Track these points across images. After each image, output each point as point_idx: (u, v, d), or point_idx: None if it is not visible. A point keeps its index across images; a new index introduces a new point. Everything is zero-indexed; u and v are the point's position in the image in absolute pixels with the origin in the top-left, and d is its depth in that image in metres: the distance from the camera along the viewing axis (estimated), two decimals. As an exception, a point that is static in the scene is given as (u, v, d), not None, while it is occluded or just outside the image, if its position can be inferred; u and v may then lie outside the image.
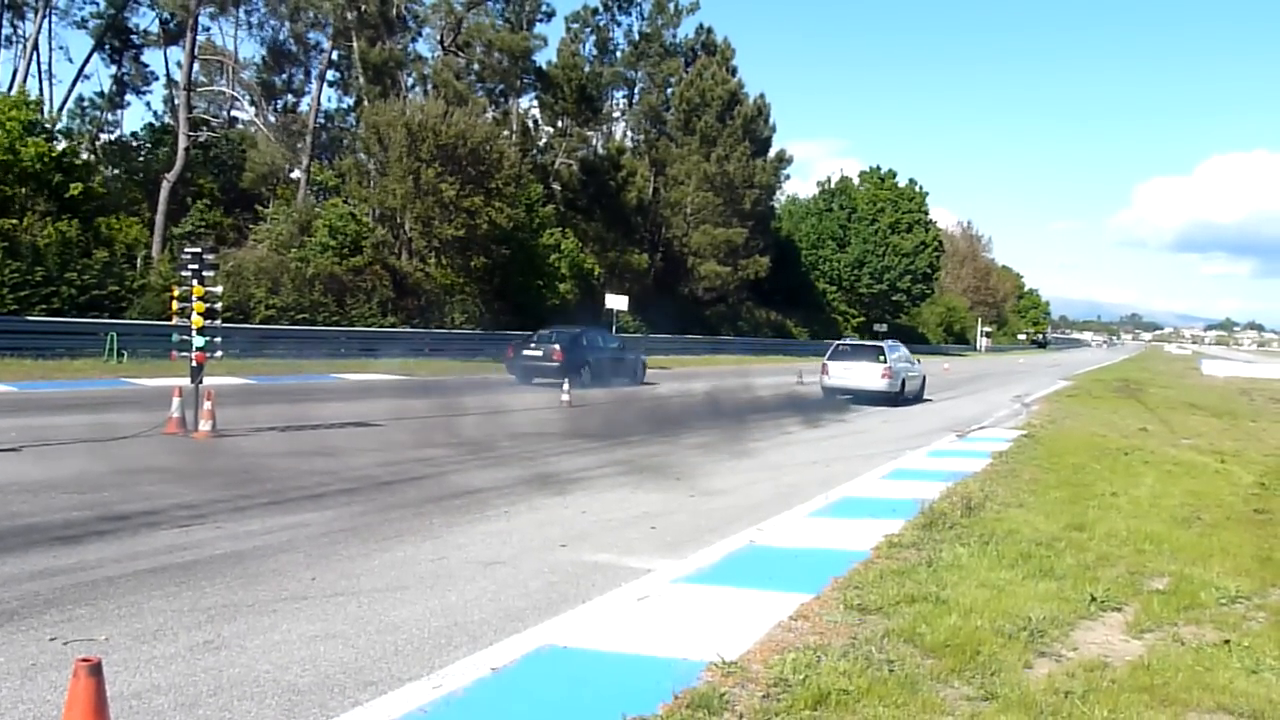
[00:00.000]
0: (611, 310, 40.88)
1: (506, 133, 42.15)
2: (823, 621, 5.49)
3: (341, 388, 21.40)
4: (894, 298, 75.10)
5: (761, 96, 55.14)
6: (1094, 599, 6.08)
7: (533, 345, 24.53)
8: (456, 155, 33.56)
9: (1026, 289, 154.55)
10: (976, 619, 5.50)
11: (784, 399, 24.09)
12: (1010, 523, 8.28)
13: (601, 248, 49.16)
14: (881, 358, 23.15)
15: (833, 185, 76.84)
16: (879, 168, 78.67)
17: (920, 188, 78.16)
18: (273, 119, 44.21)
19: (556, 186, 49.93)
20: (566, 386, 18.75)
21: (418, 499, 8.85)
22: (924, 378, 26.59)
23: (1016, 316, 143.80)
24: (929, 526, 8.03)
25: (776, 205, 69.70)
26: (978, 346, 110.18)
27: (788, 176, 59.93)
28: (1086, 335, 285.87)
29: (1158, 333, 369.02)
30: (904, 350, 25.55)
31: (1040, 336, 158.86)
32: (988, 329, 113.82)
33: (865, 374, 22.84)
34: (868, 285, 73.42)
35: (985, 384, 36.91)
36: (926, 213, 77.87)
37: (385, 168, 34.44)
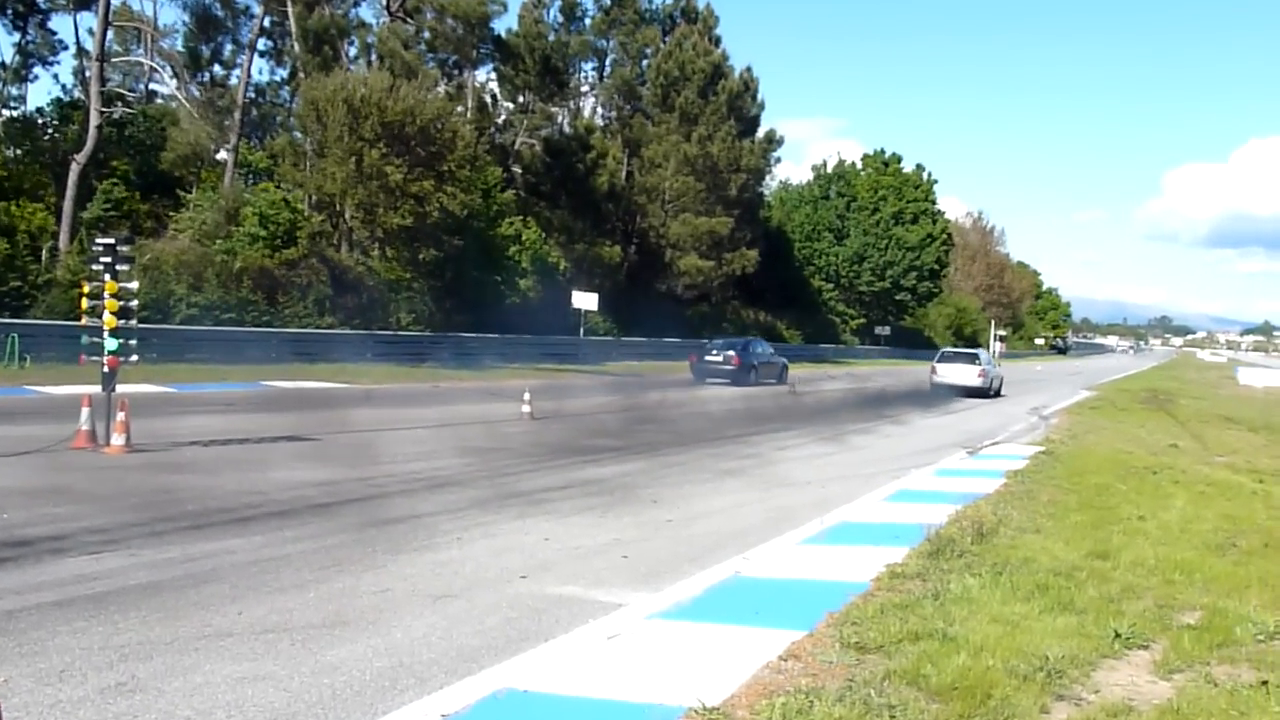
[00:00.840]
0: (579, 310, 40.91)
1: (461, 109, 42.08)
2: (816, 662, 5.50)
3: (273, 397, 21.27)
4: (898, 297, 75.64)
5: (748, 70, 55.46)
6: (1118, 635, 6.12)
7: (713, 352, 34.93)
8: (404, 134, 33.46)
9: (1044, 288, 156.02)
10: (988, 658, 5.53)
11: (773, 411, 24.18)
12: (1026, 550, 8.34)
13: (568, 239, 49.16)
14: (977, 361, 35.12)
15: (830, 170, 77.37)
16: (882, 151, 79.23)
17: (928, 174, 78.81)
18: (197, 93, 43.93)
19: (517, 170, 49.92)
20: (527, 397, 18.78)
21: (358, 523, 8.81)
22: (1003, 378, 37.67)
23: (1034, 319, 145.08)
24: (935, 555, 8.07)
25: (766, 192, 70.03)
26: (991, 352, 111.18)
27: (778, 160, 60.23)
28: (1111, 340, 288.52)
29: (1189, 337, 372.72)
30: (987, 355, 38.75)
31: (1060, 341, 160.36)
32: (1002, 333, 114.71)
33: (965, 374, 33.95)
34: (868, 283, 73.90)
35: (994, 396, 37.18)
36: (934, 202, 78.42)
37: (323, 148, 34.28)
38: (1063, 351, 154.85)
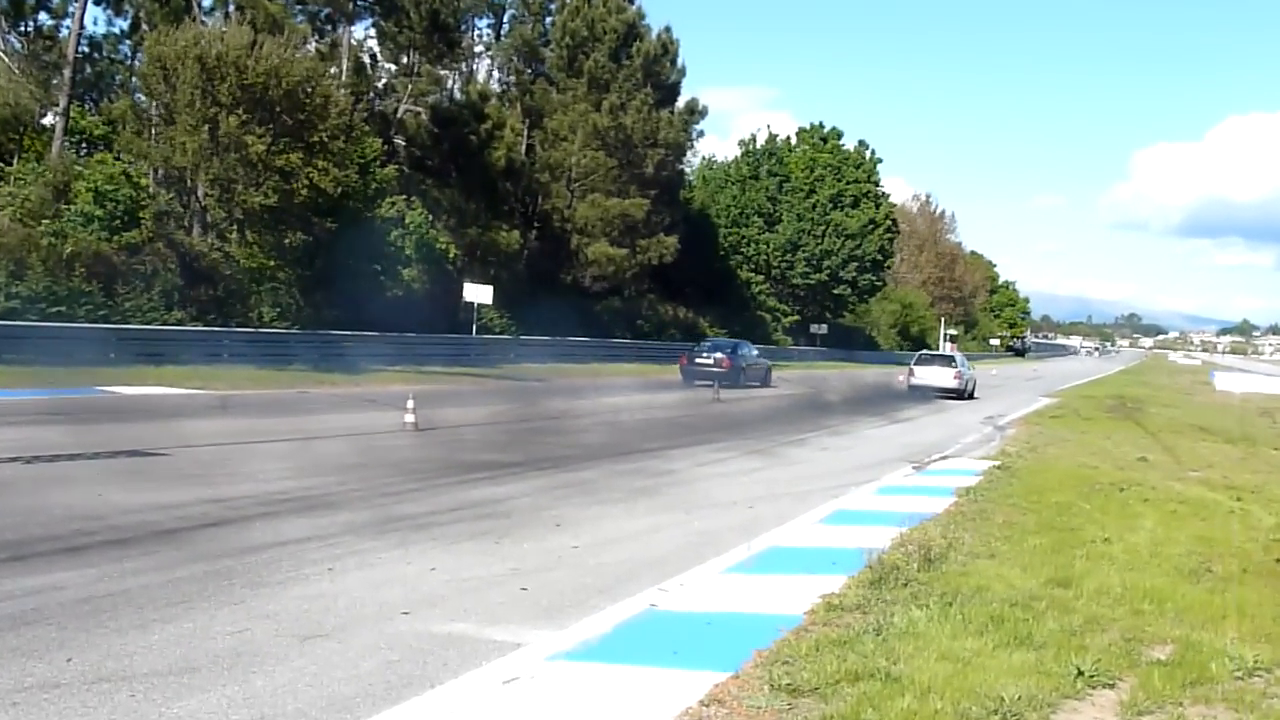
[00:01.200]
0: (471, 304, 40.73)
1: (334, 71, 41.64)
2: (743, 707, 5.53)
3: (111, 405, 20.84)
4: (836, 291, 76.62)
5: (667, 30, 55.84)
6: (1081, 673, 6.24)
7: (704, 355, 39.73)
8: (267, 99, 33.01)
9: (1000, 282, 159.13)
10: (936, 700, 5.61)
11: (696, 421, 24.33)
12: (979, 578, 8.48)
13: (459, 222, 48.89)
14: (953, 364, 41.49)
15: (759, 146, 78.14)
16: (819, 125, 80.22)
17: (871, 152, 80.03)
18: (17, 45, 42.88)
19: (400, 142, 49.47)
20: (411, 405, 18.62)
21: (212, 552, 8.67)
22: (976, 380, 43.71)
23: (988, 316, 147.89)
24: (877, 583, 8.17)
25: (687, 171, 70.50)
26: (946, 354, 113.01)
27: (701, 134, 60.99)
28: (1074, 340, 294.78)
29: (1160, 338, 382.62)
30: (962, 358, 45.28)
31: (1018, 341, 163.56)
32: (953, 332, 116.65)
33: (941, 376, 39.81)
34: (803, 274, 74.75)
35: (950, 401, 37.78)
36: (878, 184, 79.60)
37: (172, 114, 33.65)
38: (1021, 353, 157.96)
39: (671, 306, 62.44)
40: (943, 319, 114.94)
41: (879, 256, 78.01)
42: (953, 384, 39.40)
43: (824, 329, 76.02)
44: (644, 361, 51.38)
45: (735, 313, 69.11)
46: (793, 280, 74.88)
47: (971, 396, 40.59)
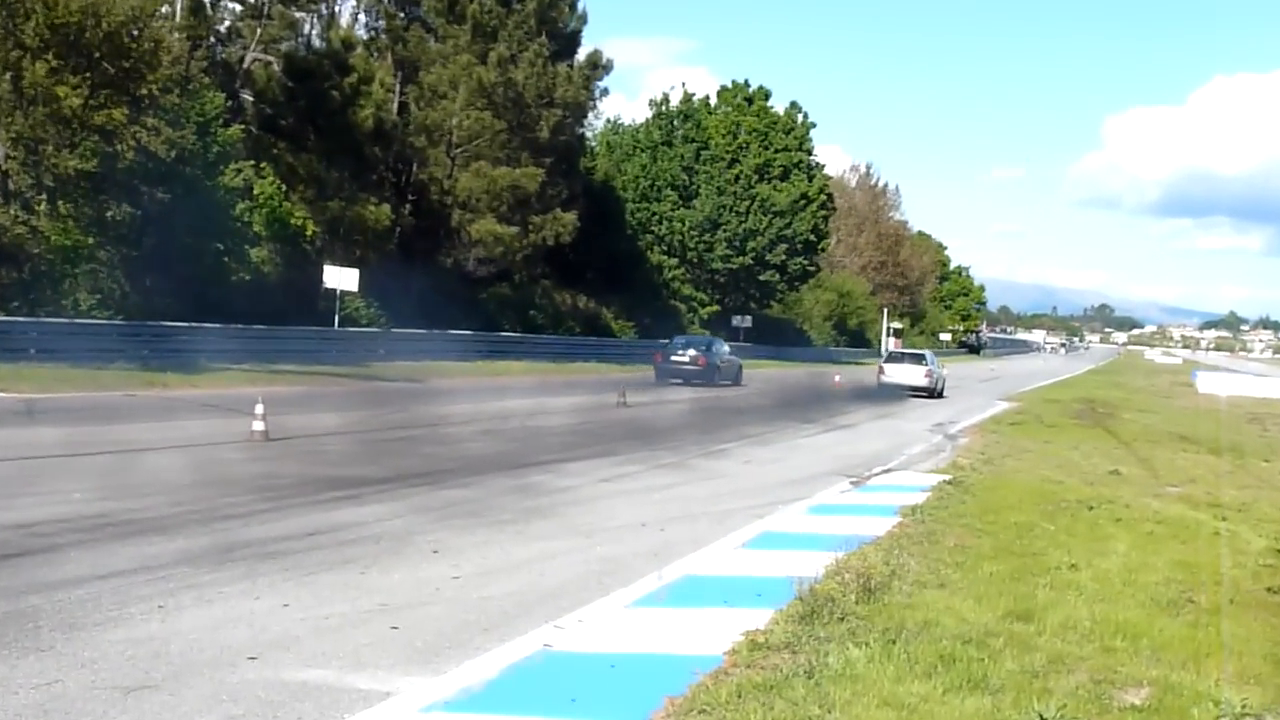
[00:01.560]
0: (333, 291, 40.37)
1: (167, 9, 41.02)
2: (653, 765, 5.54)
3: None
4: (763, 277, 77.11)
5: (567, -31, 55.70)
6: (1044, 720, 6.34)
7: (679, 352, 44.52)
8: (84, 43, 32.48)
9: (952, 267, 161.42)
10: (878, 754, 5.66)
11: (599, 429, 24.38)
12: (926, 611, 8.57)
13: (318, 194, 48.37)
14: (924, 362, 47.03)
15: (673, 108, 78.28)
16: (744, 84, 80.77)
17: (803, 116, 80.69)
18: None
19: (247, 97, 48.88)
20: (260, 410, 18.44)
21: (15, 588, 8.55)
22: (946, 378, 49.40)
23: (938, 307, 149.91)
24: (809, 618, 8.23)
25: (589, 135, 70.49)
26: (882, 350, 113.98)
27: (606, 92, 60.32)
28: (1037, 335, 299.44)
29: (1135, 332, 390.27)
30: (933, 356, 50.67)
31: (972, 336, 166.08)
32: (897, 325, 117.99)
33: (912, 374, 45.64)
34: (724, 258, 75.11)
35: (893, 405, 38.22)
36: (811, 152, 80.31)
37: (-33, 59, 33.02)
38: (976, 350, 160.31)
39: (570, 294, 62.44)
40: (885, 310, 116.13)
41: (812, 237, 78.67)
42: (923, 382, 44.91)
43: (748, 321, 76.48)
44: (538, 359, 51.41)
45: (644, 301, 69.23)
46: (712, 264, 75.19)
47: (941, 395, 45.98)
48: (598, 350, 59.16)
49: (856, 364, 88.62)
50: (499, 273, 56.50)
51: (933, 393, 44.87)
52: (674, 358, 44.23)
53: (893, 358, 49.59)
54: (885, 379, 45.81)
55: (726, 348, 48.47)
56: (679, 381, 42.72)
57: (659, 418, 28.78)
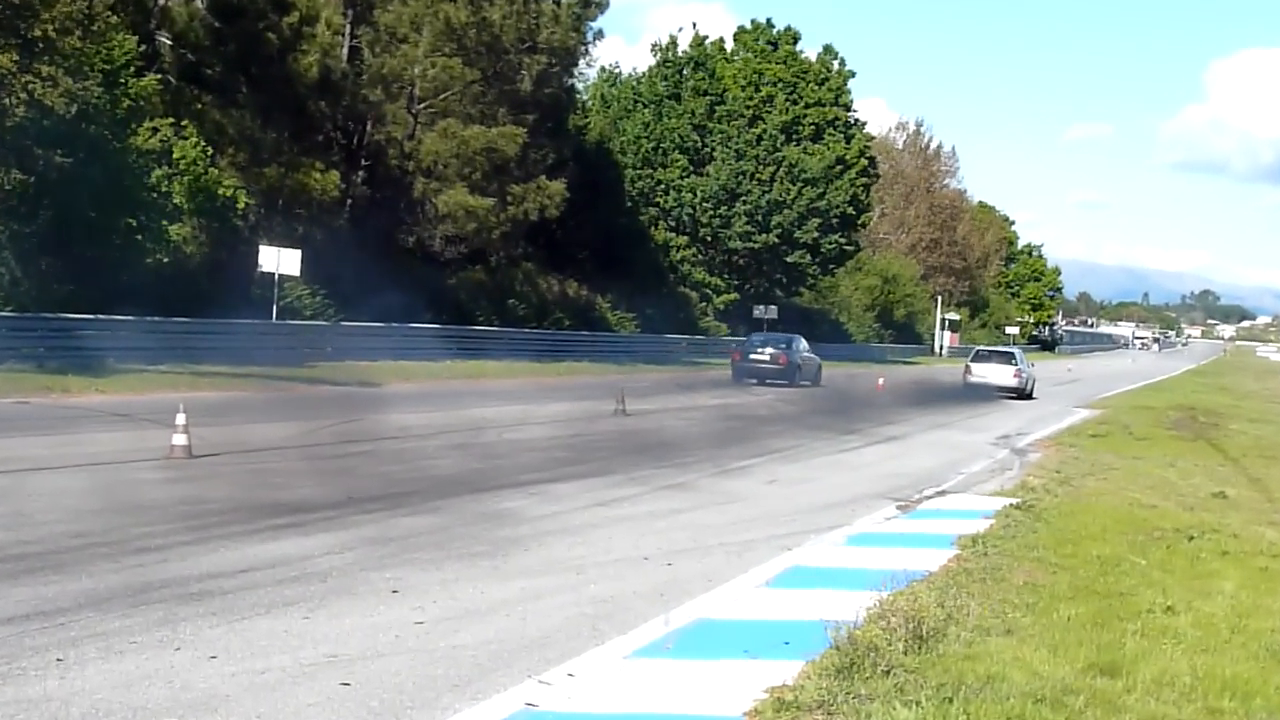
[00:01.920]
0: (271, 276, 40.30)
1: (69, -64, 41.00)
2: None
3: None
4: (790, 258, 76.85)
5: (552, -115, 55.60)
6: (1134, 796, 6.30)
7: (758, 350, 50.01)
8: (-32, -24, 32.48)
9: (1021, 246, 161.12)
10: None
11: (592, 443, 24.39)
12: (990, 662, 8.53)
13: (251, 158, 48.31)
14: (1013, 361, 52.19)
15: (682, 54, 78.07)
16: (767, 24, 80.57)
17: (839, 63, 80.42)
18: None
19: (165, 40, 48.81)
20: (182, 420, 18.39)
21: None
22: (1036, 379, 54.33)
23: (1003, 295, 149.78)
24: (847, 671, 8.19)
25: (581, 87, 70.47)
26: (936, 347, 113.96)
27: (600, 35, 60.29)
28: (1123, 328, 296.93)
29: (1246, 324, 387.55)
30: (1022, 354, 56.58)
31: (1046, 330, 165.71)
32: (953, 316, 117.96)
33: (1001, 374, 50.61)
34: (743, 236, 74.90)
35: (948, 413, 38.23)
36: (849, 108, 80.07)
37: None
38: (1050, 346, 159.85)
39: (558, 280, 62.41)
40: (939, 298, 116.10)
41: (850, 210, 78.44)
42: (1012, 382, 49.96)
43: (772, 312, 76.23)
44: (519, 357, 51.43)
45: (647, 289, 68.94)
46: (729, 243, 75.04)
47: (1030, 396, 50.97)
48: (591, 347, 59.27)
49: (904, 363, 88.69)
50: (472, 254, 56.46)
51: (1022, 394, 49.80)
52: (753, 356, 49.57)
53: (980, 356, 54.49)
54: (972, 379, 50.56)
55: (805, 344, 52.64)
56: (754, 381, 48.01)
57: (666, 429, 28.77)
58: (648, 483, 18.64)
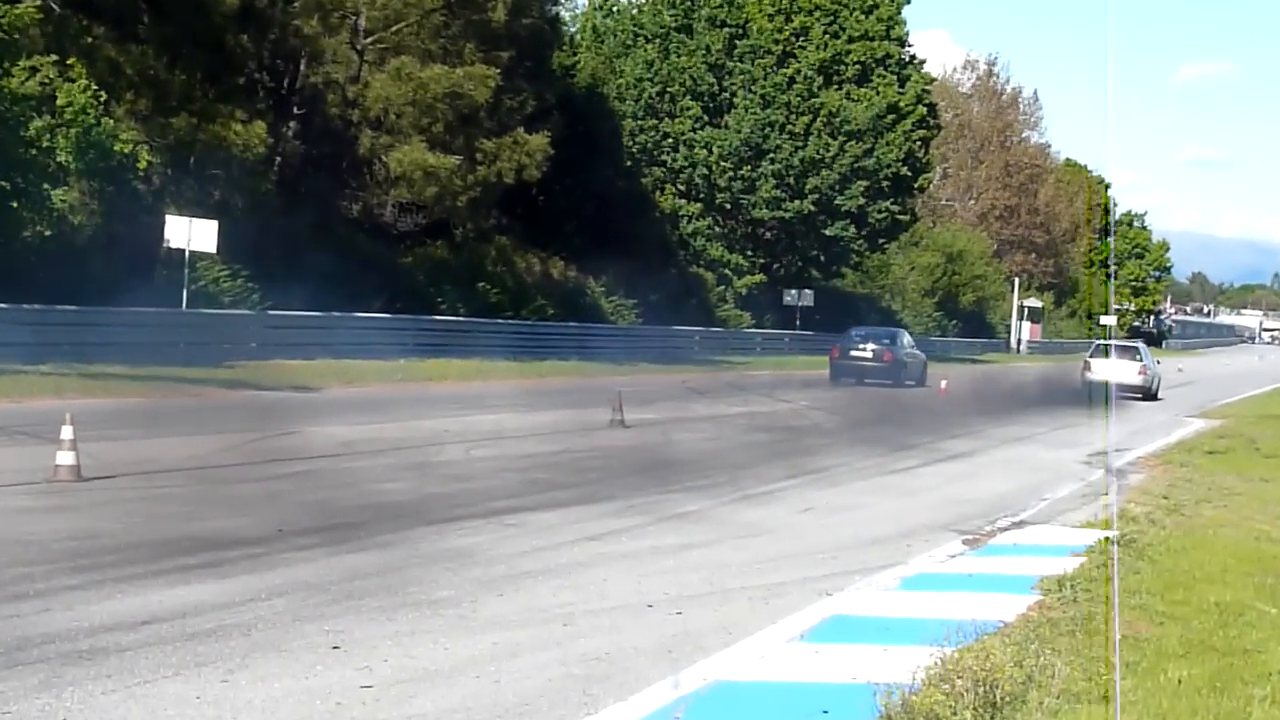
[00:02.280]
0: (181, 254, 40.26)
1: None
2: None
3: None
4: (829, 231, 76.65)
5: None
6: None
7: (859, 346, 54.19)
8: None
9: (1120, 215, 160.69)
10: None
11: (580, 461, 24.41)
12: (1082, 736, 8.52)
13: (155, 106, 48.32)
14: (1138, 357, 56.67)
15: (693, -26, 78.14)
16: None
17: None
18: None
19: (48, -42, 48.91)
20: (69, 435, 18.36)
21: None
22: (1161, 377, 59.93)
23: (1097, 276, 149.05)
24: (904, 749, 8.18)
25: (567, 17, 70.57)
26: (1012, 341, 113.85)
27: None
28: (1247, 317, 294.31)
29: None
30: (1145, 348, 62.45)
31: (1152, 320, 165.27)
32: (1033, 302, 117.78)
33: (1125, 370, 54.26)
34: (771, 203, 74.76)
35: (1028, 422, 38.22)
36: (904, 42, 79.94)
37: None
38: (1156, 340, 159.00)
39: (540, 258, 62.47)
40: (1016, 280, 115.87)
41: (905, 171, 78.37)
42: (1137, 380, 54.44)
43: (807, 298, 76.38)
44: (490, 354, 51.25)
45: (652, 269, 68.77)
46: (753, 212, 74.99)
47: (1156, 396, 55.67)
48: (581, 341, 59.42)
49: (972, 361, 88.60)
50: (432, 225, 56.56)
51: (1147, 393, 54.64)
52: (853, 353, 54.48)
53: (1100, 351, 59.15)
54: (1092, 376, 54.41)
55: (909, 338, 58.87)
56: (852, 381, 52.78)
57: (675, 443, 28.80)
58: (652, 511, 18.64)
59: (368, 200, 54.21)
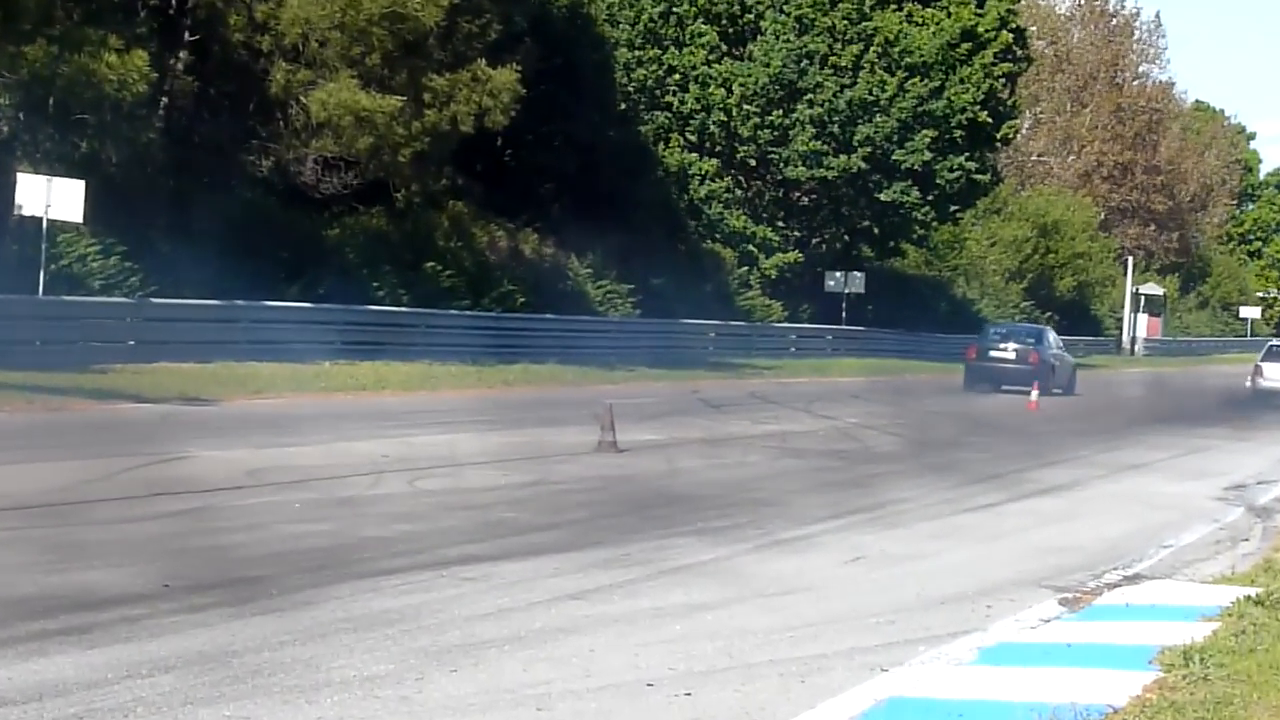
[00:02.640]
0: (37, 223, 40.31)
1: None
2: None
3: None
4: (884, 195, 76.63)
5: None
6: None
7: (999, 346, 58.47)
8: None
9: (1267, 174, 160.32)
10: None
11: (556, 495, 24.43)
12: None
13: (3, 28, 48.42)
14: None
15: None
16: None
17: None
18: None
19: None
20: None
21: None
22: None
23: (1235, 255, 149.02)
24: None
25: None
26: (1124, 339, 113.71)
27: None
28: None
29: None
30: None
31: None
32: (1153, 288, 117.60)
33: None
34: (809, 159, 74.75)
35: (1147, 444, 38.27)
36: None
37: None
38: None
39: (507, 231, 62.50)
40: (1129, 260, 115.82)
41: (985, 117, 78.33)
42: None
43: (857, 282, 76.36)
44: (443, 354, 51.49)
45: (653, 244, 68.86)
46: (785, 171, 75.00)
47: None
48: (560, 338, 59.55)
49: (1075, 365, 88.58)
50: (367, 187, 56.56)
51: None
52: (992, 354, 59.32)
53: (1273, 353, 63.00)
54: (1265, 383, 59.78)
55: (1055, 337, 61.96)
56: (989, 388, 57.34)
57: (682, 473, 28.85)
58: (652, 561, 18.63)
59: (281, 154, 54.20)
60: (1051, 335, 61.73)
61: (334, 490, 23.58)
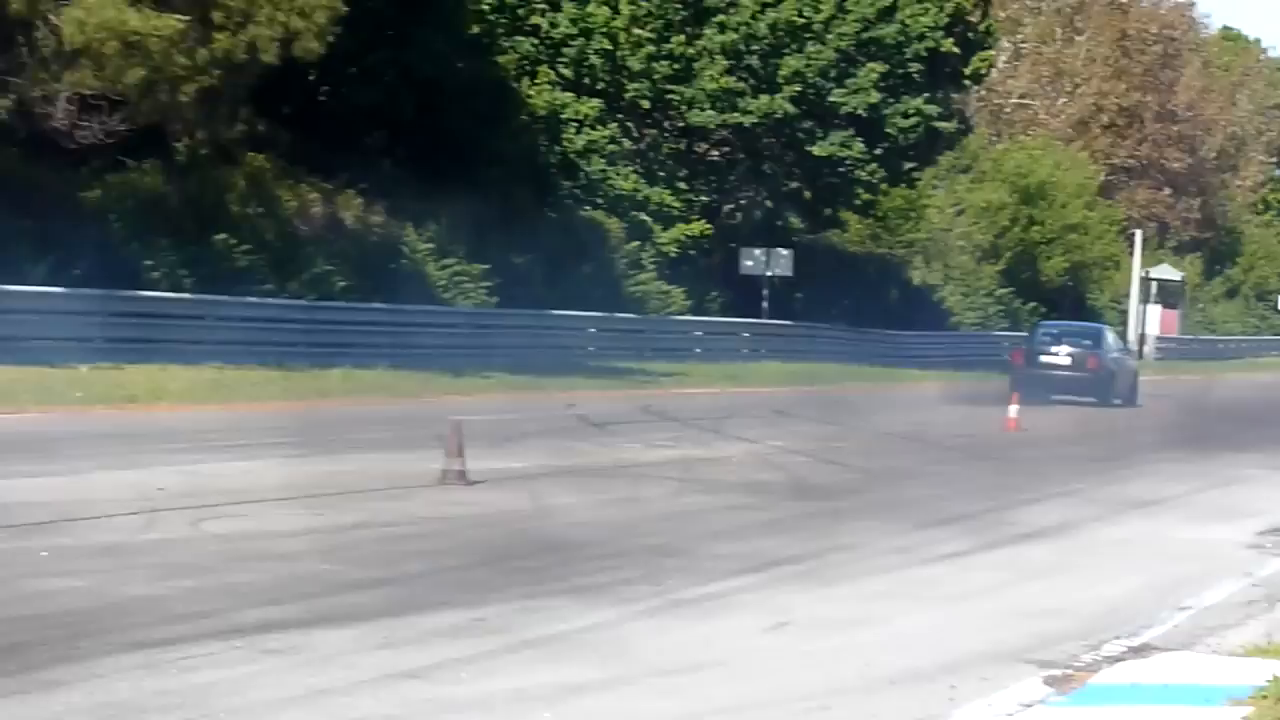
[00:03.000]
0: None
1: None
2: None
3: None
4: (820, 150, 77.01)
5: None
6: None
7: (1050, 350, 63.41)
8: None
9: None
10: None
11: (389, 544, 24.52)
12: None
13: None
14: None
15: None
16: None
17: None
18: None
19: None
20: None
21: None
22: None
23: (1274, 227, 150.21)
24: None
25: None
26: (1131, 334, 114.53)
27: None
28: None
29: None
30: None
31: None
32: (1167, 271, 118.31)
33: None
34: (718, 101, 75.11)
35: (1158, 474, 38.55)
36: None
37: None
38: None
39: (322, 192, 62.51)
40: (1138, 235, 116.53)
41: (950, 46, 78.76)
42: None
43: (783, 264, 76.70)
44: (239, 356, 51.64)
45: (514, 213, 68.91)
46: (689, 116, 75.24)
47: None
48: (393, 335, 59.70)
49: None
50: (137, 135, 56.53)
51: None
52: (1043, 359, 61.94)
53: None
54: None
55: (1114, 337, 66.93)
56: (1042, 398, 59.93)
57: (553, 512, 28.89)
58: (511, 629, 18.59)
59: (24, 91, 54.17)
60: (1110, 335, 65.39)
61: (93, 534, 23.50)
